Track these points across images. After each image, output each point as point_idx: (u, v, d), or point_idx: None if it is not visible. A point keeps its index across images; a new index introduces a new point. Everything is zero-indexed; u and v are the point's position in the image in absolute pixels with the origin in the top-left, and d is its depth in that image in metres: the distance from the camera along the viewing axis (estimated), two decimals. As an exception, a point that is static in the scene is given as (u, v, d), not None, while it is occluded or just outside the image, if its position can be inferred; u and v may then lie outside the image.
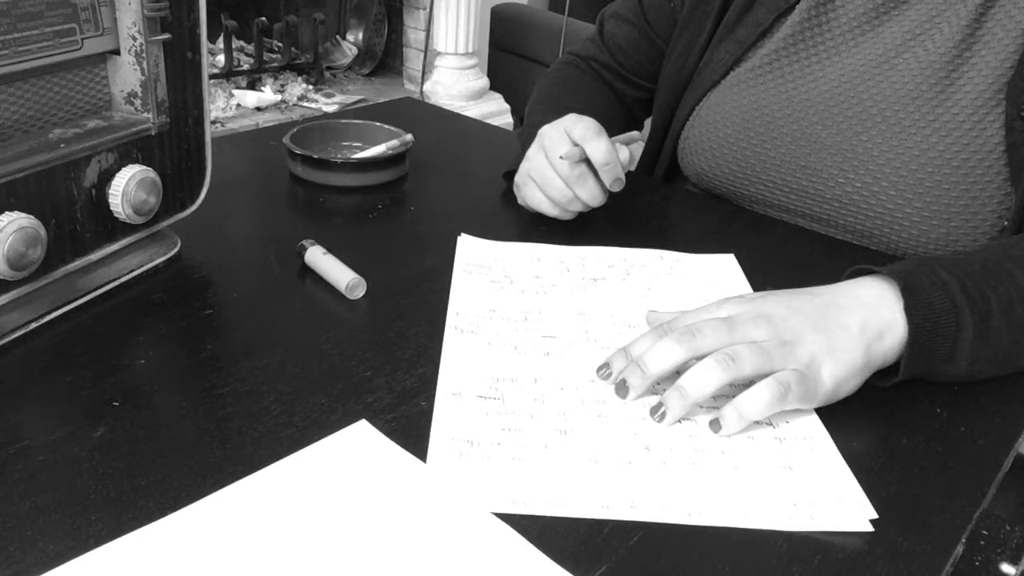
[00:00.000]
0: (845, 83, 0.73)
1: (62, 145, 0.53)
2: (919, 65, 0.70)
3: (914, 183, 0.68)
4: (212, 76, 2.57)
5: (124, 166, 0.57)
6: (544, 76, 0.94)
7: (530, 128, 0.78)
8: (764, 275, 0.66)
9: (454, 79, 2.82)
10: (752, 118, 0.78)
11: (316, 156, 0.78)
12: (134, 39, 0.56)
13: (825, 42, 0.76)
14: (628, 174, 0.71)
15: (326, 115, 1.34)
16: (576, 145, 0.68)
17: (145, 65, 0.56)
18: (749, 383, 0.48)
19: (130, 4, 0.55)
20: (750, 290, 0.64)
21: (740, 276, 0.66)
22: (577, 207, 0.71)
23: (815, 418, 0.50)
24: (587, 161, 0.69)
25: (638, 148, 0.74)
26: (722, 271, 0.67)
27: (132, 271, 0.60)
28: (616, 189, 0.70)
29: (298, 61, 2.83)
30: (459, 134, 0.99)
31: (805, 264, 0.71)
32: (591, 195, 0.70)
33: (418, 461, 0.44)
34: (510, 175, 0.79)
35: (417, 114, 1.06)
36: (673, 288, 0.64)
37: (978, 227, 0.68)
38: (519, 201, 0.75)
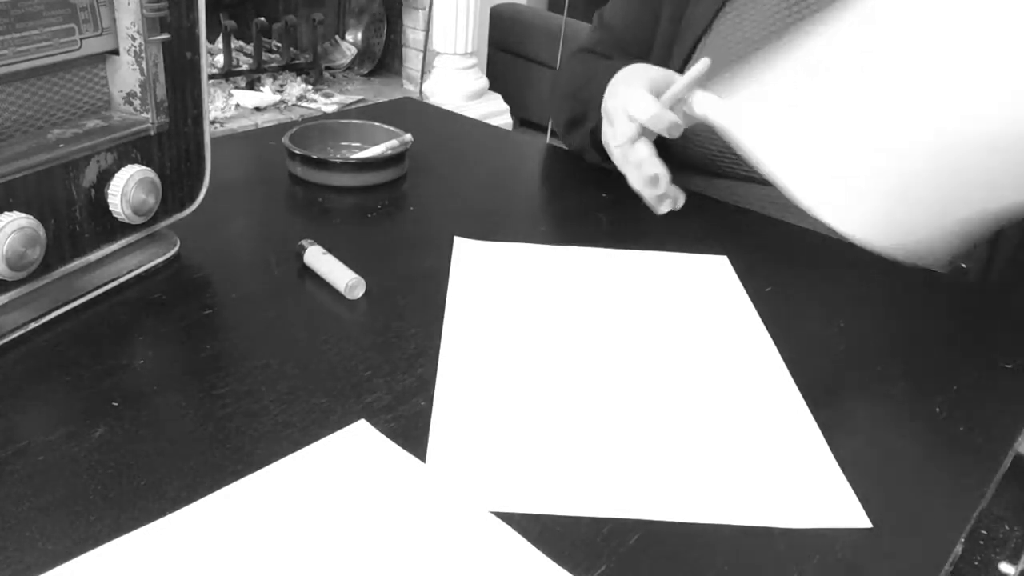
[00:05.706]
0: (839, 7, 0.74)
1: (61, 145, 0.53)
2: None
3: None
4: (211, 76, 2.57)
5: (123, 166, 0.57)
6: (558, 74, 0.94)
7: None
8: (758, 277, 0.66)
9: (453, 79, 2.82)
10: (746, 56, 0.77)
11: (315, 156, 0.78)
12: (133, 39, 0.56)
13: None
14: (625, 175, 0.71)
15: (325, 115, 1.34)
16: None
17: (144, 65, 0.56)
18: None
19: (129, 4, 0.55)
20: (743, 293, 0.64)
21: (733, 278, 0.66)
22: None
23: (810, 418, 0.50)
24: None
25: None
26: (715, 273, 0.67)
27: (131, 271, 0.60)
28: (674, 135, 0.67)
29: (297, 61, 2.83)
30: (458, 134, 0.99)
31: (800, 265, 0.71)
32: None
33: (417, 461, 0.44)
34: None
35: (416, 114, 1.06)
36: (666, 290, 0.64)
37: None
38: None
